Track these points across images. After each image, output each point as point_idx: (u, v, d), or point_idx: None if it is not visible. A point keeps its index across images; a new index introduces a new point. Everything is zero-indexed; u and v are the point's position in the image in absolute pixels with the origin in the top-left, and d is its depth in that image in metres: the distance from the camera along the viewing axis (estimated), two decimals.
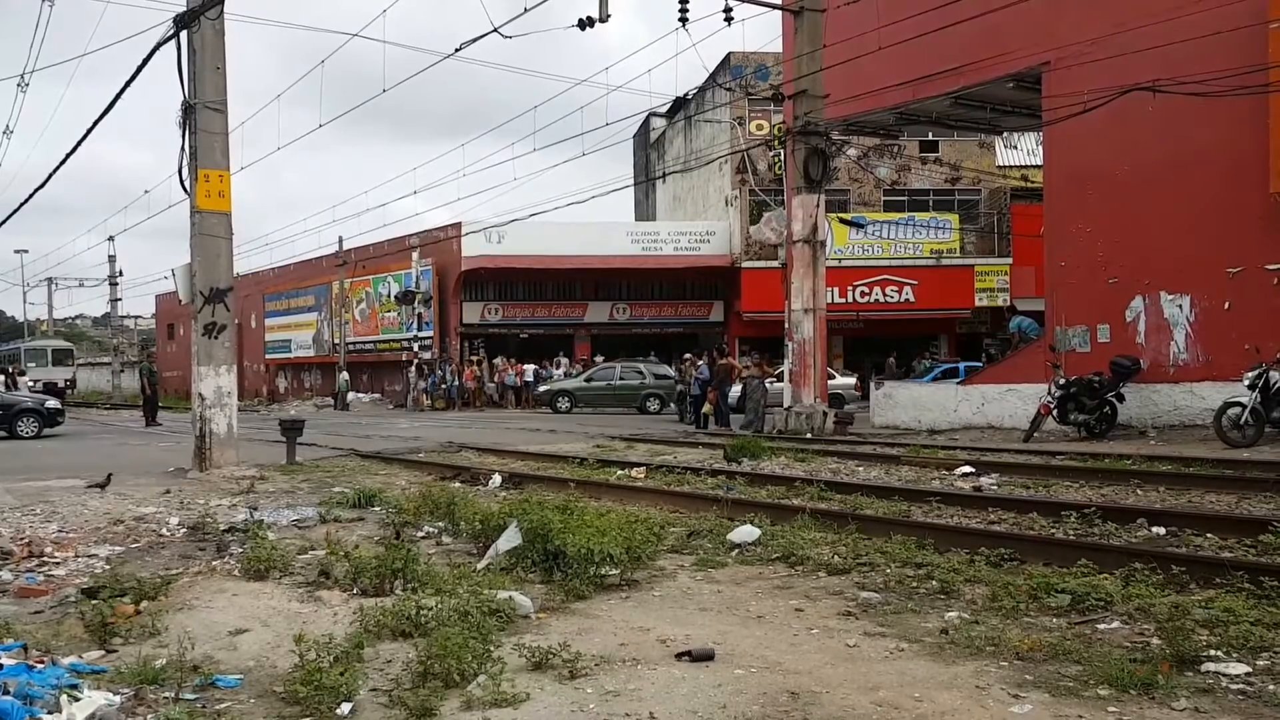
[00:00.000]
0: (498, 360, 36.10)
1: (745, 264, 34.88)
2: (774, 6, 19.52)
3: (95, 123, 15.19)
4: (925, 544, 6.98)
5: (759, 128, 34.87)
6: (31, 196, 24.45)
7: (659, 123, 42.21)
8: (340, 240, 39.59)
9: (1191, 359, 16.05)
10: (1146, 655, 4.46)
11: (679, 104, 36.05)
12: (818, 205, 19.51)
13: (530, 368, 35.19)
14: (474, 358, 36.46)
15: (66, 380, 51.12)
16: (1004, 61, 17.59)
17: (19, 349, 53.41)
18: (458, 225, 35.36)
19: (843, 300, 32.98)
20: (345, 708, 3.96)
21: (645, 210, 46.48)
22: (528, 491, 10.25)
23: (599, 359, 34.99)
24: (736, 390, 22.03)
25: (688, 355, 26.17)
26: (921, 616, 5.33)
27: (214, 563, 7.15)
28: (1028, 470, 11.66)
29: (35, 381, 46.82)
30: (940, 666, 4.44)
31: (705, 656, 4.57)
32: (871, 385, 22.30)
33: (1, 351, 57.09)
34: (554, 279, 36.93)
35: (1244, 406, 13.73)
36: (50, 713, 3.86)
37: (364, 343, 41.19)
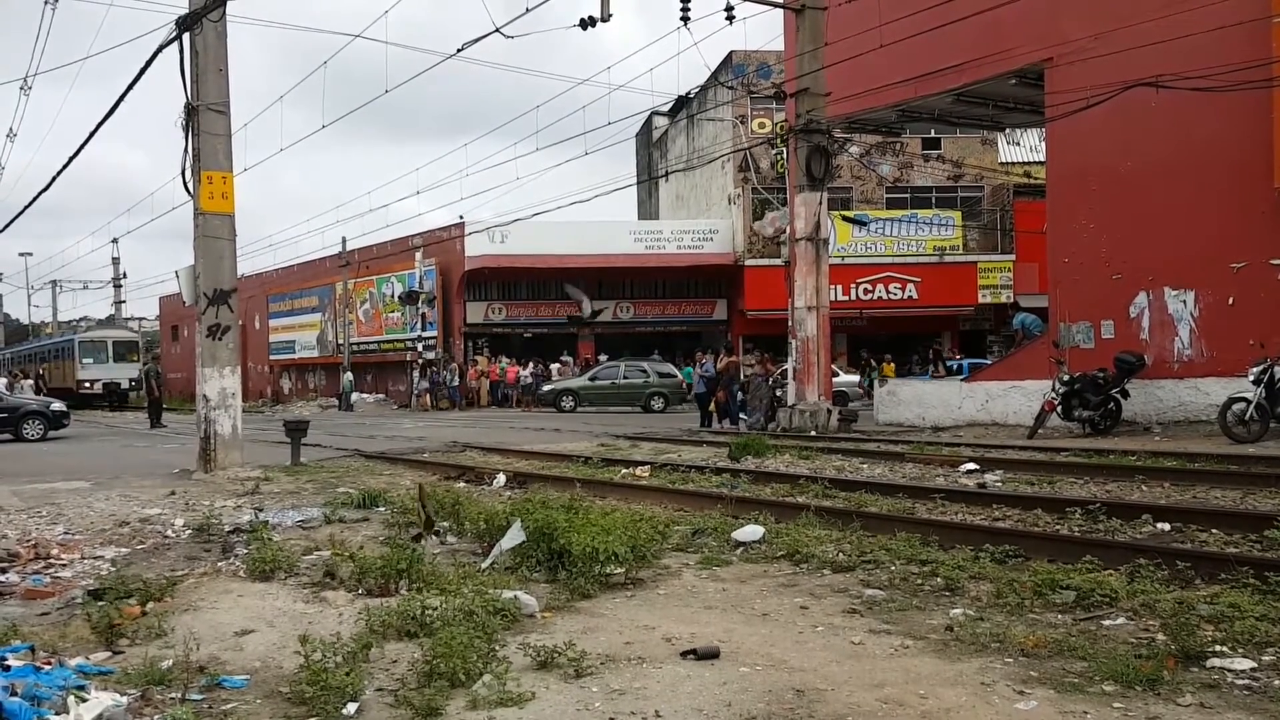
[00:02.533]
0: (503, 361, 36.08)
1: (748, 262, 34.88)
2: (776, 5, 19.51)
3: (99, 125, 15.28)
4: (930, 541, 6.98)
5: (761, 126, 34.87)
6: (36, 199, 24.42)
7: (661, 121, 42.22)
8: (344, 241, 39.67)
9: (1196, 354, 16.02)
10: (1152, 651, 4.45)
11: (681, 103, 36.06)
12: (820, 203, 19.49)
13: (524, 370, 35.20)
14: (478, 357, 36.49)
15: (132, 380, 41.12)
16: (1006, 58, 17.58)
17: (72, 341, 44.79)
18: (461, 225, 35.41)
19: (846, 298, 33.00)
20: (351, 708, 3.97)
21: (648, 209, 46.49)
22: (532, 491, 10.26)
23: (603, 358, 35.01)
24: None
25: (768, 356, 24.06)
26: (926, 614, 5.33)
27: (219, 564, 7.16)
28: (1032, 467, 11.64)
29: (92, 383, 40.55)
30: (945, 663, 4.44)
31: (710, 655, 4.57)
32: (876, 385, 22.36)
33: (52, 344, 49.34)
34: (557, 278, 36.96)
35: (1249, 402, 13.70)
36: (58, 713, 3.87)
37: (368, 343, 41.25)
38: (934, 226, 35.28)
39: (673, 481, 11.28)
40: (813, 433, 18.05)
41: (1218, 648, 4.44)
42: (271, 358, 49.12)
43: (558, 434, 20.04)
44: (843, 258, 32.30)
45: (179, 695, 4.19)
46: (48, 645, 5.03)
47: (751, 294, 34.52)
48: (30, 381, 34.98)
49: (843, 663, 4.50)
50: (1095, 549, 6.46)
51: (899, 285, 34.96)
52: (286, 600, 5.95)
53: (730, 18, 17.60)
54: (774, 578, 6.35)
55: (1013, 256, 34.97)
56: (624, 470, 12.57)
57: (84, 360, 42.30)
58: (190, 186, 13.58)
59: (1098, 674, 4.18)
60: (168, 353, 54.73)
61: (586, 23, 15.87)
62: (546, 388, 32.27)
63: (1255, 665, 4.25)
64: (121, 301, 55.29)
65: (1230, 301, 15.62)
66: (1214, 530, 7.34)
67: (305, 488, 11.66)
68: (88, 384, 41.43)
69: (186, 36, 13.23)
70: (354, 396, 37.61)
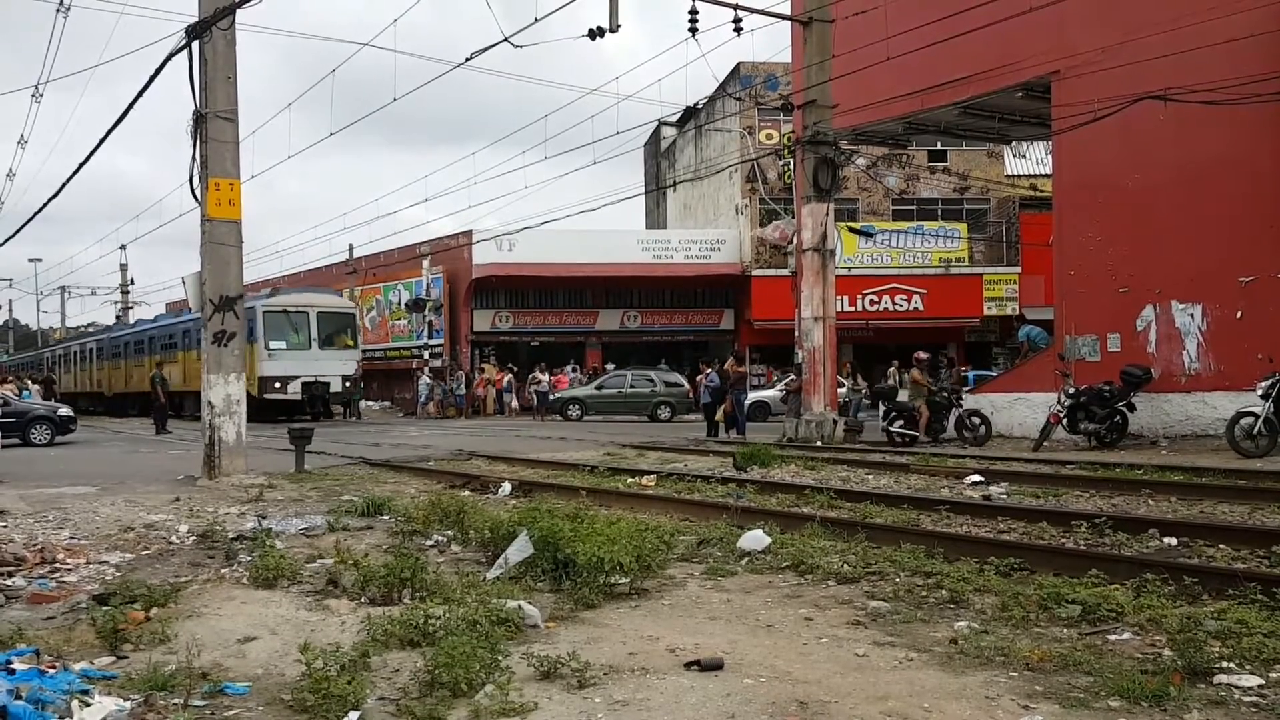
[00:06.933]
0: (539, 373, 35.74)
1: (755, 272, 34.91)
2: (783, 17, 19.57)
3: (109, 131, 15.37)
4: (934, 553, 6.96)
5: (768, 137, 34.94)
6: (45, 205, 24.57)
7: (669, 132, 42.33)
8: (350, 248, 39.80)
9: (1203, 368, 15.98)
10: (1158, 667, 4.43)
11: (689, 113, 36.14)
12: (827, 214, 19.53)
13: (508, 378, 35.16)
14: (485, 365, 36.51)
15: (347, 381, 28.59)
16: (1013, 71, 17.60)
17: (253, 309, 25.92)
18: (468, 233, 35.52)
19: (852, 309, 32.99)
20: (353, 716, 3.97)
21: (656, 218, 46.57)
22: (537, 499, 10.24)
23: (610, 366, 35.03)
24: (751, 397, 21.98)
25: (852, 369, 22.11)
26: (931, 626, 5.32)
27: (223, 570, 7.16)
28: (1037, 479, 11.61)
29: (283, 382, 26.80)
30: (949, 676, 4.42)
31: (714, 666, 4.56)
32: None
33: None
34: (565, 287, 37.01)
35: (1257, 416, 13.67)
36: (62, 718, 3.89)
37: (374, 350, 41.25)
38: (940, 238, 35.28)
39: (678, 491, 11.28)
40: (818, 443, 18.03)
41: (1225, 664, 4.41)
42: None
43: (564, 443, 20.03)
44: (849, 269, 32.29)
45: (182, 701, 4.19)
46: (53, 649, 5.03)
47: (759, 304, 34.53)
48: (38, 387, 34.94)
49: (847, 675, 4.48)
50: (1101, 563, 6.43)
51: (905, 297, 34.94)
52: (289, 608, 5.95)
53: (738, 30, 17.67)
54: (779, 588, 6.34)
55: (1018, 269, 34.93)
56: (630, 479, 12.56)
57: (271, 344, 27.49)
58: (198, 193, 13.63)
59: (1103, 689, 4.16)
60: None
61: (595, 33, 15.91)
62: (554, 396, 32.32)
63: (1263, 682, 4.22)
64: (129, 307, 55.49)
65: (1238, 315, 15.58)
66: (1221, 545, 7.32)
67: (309, 495, 11.67)
68: (277, 384, 27.07)
69: (196, 44, 13.30)
70: (360, 404, 37.60)
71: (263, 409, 27.09)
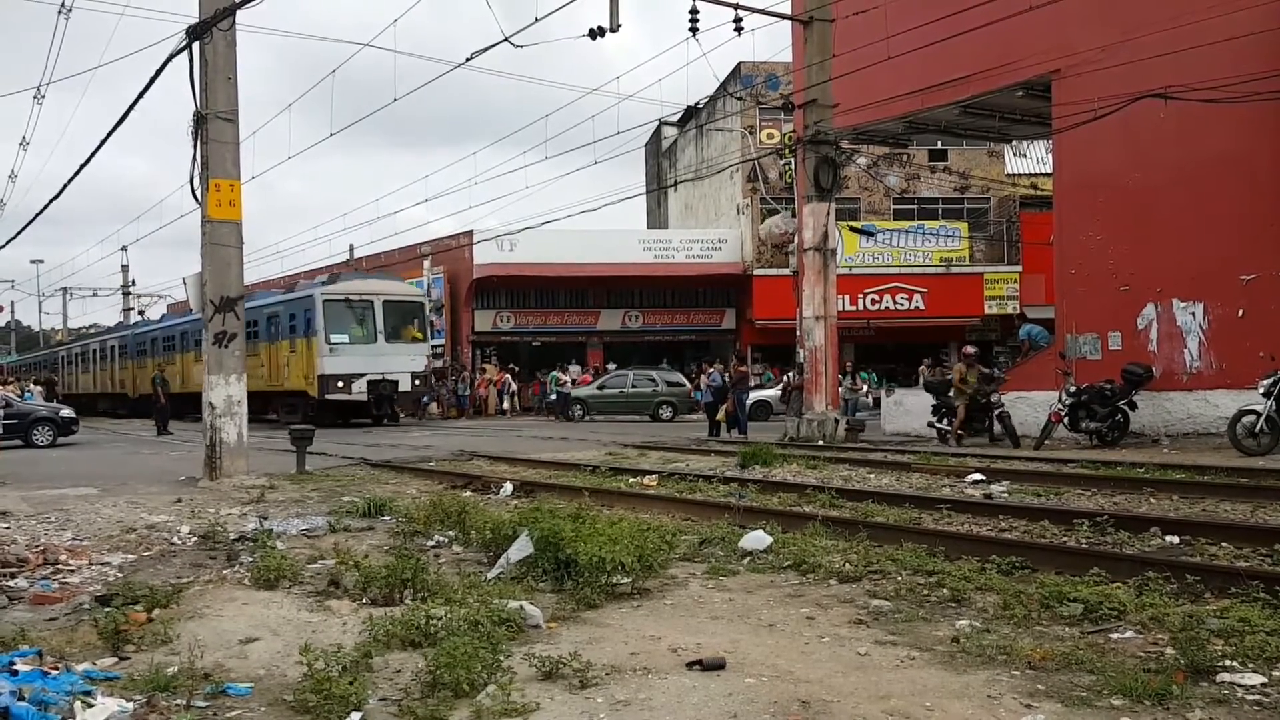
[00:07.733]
0: (560, 373, 35.50)
1: (757, 271, 34.92)
2: (784, 17, 19.57)
3: (110, 132, 15.40)
4: (936, 552, 6.96)
5: (769, 136, 34.94)
6: (47, 206, 24.25)
7: (670, 131, 42.32)
8: (351, 249, 39.83)
9: (1205, 366, 15.97)
10: (1160, 665, 4.43)
11: (690, 113, 36.12)
12: (828, 213, 19.53)
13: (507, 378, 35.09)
14: (486, 365, 36.50)
15: (418, 378, 26.16)
16: (1013, 70, 17.59)
17: (310, 298, 25.79)
18: (469, 233, 35.51)
19: (853, 308, 32.98)
20: (355, 717, 3.97)
21: (657, 218, 46.57)
22: (539, 499, 10.23)
23: (612, 366, 35.03)
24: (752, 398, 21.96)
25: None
26: (933, 625, 5.31)
27: (225, 571, 7.17)
28: (1039, 478, 11.61)
29: (346, 381, 24.53)
30: (952, 675, 4.42)
31: (716, 665, 4.56)
32: (883, 394, 22.16)
33: (262, 308, 27.82)
34: (566, 287, 36.99)
35: (1259, 414, 13.66)
36: (65, 719, 3.88)
37: None
38: (941, 238, 35.29)
39: (680, 491, 11.27)
40: (820, 442, 18.03)
41: (1227, 662, 4.41)
42: None
43: (565, 443, 20.03)
44: (850, 268, 32.26)
45: (184, 702, 4.20)
46: (55, 650, 5.04)
47: (760, 303, 34.54)
48: (40, 388, 35.00)
49: (849, 674, 4.48)
50: (1103, 561, 6.43)
51: (906, 296, 34.96)
52: (291, 609, 5.96)
53: (738, 29, 17.68)
54: (780, 588, 6.34)
55: (1019, 268, 34.97)
56: (631, 479, 12.57)
57: (332, 337, 25.09)
58: (198, 194, 13.63)
59: (1106, 688, 4.16)
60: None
61: (595, 33, 15.91)
62: (554, 395, 32.29)
63: (1266, 680, 4.22)
64: (130, 309, 55.53)
65: (1240, 313, 15.57)
66: (1224, 544, 7.32)
67: (310, 496, 11.67)
68: (339, 383, 24.71)
69: (196, 45, 13.30)
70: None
71: (322, 411, 25.19)
